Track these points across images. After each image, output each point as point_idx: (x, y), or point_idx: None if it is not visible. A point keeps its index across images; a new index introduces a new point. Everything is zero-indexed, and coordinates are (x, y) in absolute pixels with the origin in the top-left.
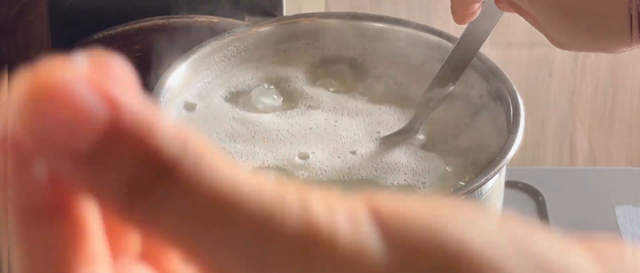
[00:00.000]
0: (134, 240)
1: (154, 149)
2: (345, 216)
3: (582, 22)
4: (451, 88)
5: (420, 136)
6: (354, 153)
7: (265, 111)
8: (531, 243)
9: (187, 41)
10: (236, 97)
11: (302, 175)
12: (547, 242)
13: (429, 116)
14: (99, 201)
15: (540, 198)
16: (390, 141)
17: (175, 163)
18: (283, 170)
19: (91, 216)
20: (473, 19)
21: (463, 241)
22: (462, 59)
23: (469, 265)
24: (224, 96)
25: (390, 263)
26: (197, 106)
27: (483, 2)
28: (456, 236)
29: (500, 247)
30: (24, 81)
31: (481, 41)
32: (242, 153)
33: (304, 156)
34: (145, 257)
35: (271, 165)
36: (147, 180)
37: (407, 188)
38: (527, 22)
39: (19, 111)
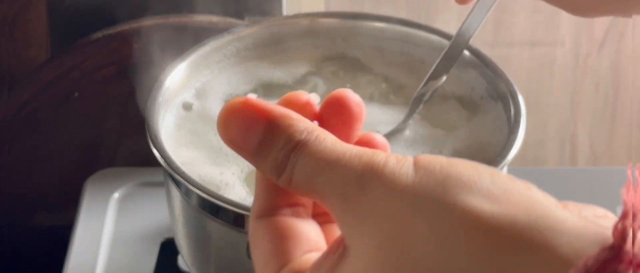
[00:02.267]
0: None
1: (288, 142)
2: (396, 158)
3: None
4: (444, 79)
5: (407, 133)
6: None
7: None
8: None
9: (187, 41)
10: (235, 97)
11: None
12: None
13: (427, 114)
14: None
15: None
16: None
17: (299, 144)
18: None
19: None
20: None
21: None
22: (454, 52)
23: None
24: (223, 95)
25: (414, 182)
26: (196, 105)
27: None
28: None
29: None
30: (222, 109)
31: (472, 33)
32: None
33: None
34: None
35: None
36: (284, 158)
37: None
38: (528, 22)
39: (219, 129)
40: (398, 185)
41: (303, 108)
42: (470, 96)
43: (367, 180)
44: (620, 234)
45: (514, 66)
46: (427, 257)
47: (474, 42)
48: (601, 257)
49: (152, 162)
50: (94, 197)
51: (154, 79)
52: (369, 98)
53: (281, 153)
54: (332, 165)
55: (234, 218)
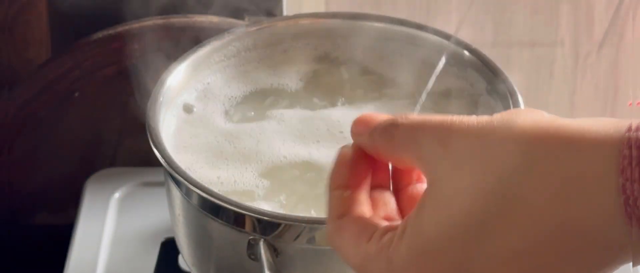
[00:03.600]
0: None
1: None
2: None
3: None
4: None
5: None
6: None
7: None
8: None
9: (187, 41)
10: (236, 98)
11: (310, 176)
12: None
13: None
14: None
15: None
16: None
17: (391, 125)
18: (285, 171)
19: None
20: None
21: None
22: None
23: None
24: (223, 96)
25: (486, 120)
26: (197, 106)
27: None
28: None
29: None
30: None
31: None
32: (242, 155)
33: (307, 158)
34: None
35: (273, 166)
36: (379, 142)
37: None
38: (528, 22)
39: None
40: (472, 125)
41: None
42: (470, 95)
43: (449, 129)
44: None
45: (514, 66)
46: (505, 158)
47: (474, 42)
48: None
49: (152, 162)
50: (94, 197)
51: (154, 79)
52: (370, 99)
53: (386, 124)
54: (425, 121)
55: (234, 218)
